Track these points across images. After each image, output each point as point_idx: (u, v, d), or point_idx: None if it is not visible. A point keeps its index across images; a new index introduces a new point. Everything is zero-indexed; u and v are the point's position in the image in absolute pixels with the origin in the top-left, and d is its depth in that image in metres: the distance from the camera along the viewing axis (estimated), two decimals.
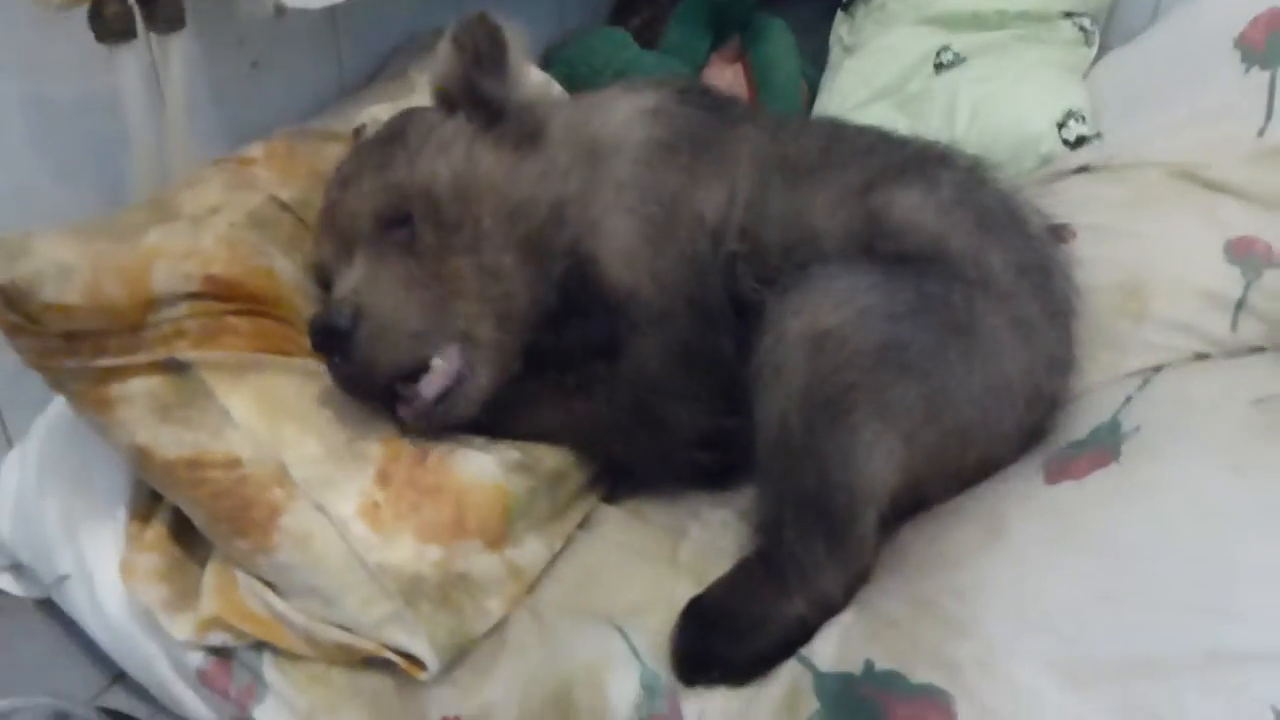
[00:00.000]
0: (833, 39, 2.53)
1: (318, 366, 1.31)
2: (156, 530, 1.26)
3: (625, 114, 1.40)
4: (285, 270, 1.38)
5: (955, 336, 1.10)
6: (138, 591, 1.23)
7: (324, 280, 1.35)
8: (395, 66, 1.90)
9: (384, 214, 1.29)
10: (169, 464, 1.16)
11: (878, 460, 1.06)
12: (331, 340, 1.21)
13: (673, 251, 1.30)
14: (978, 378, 1.10)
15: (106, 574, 1.28)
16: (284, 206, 1.45)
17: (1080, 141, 1.94)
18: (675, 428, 1.30)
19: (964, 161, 1.35)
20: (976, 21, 2.30)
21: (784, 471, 1.10)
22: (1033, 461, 1.20)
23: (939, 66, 2.34)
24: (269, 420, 1.22)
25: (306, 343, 1.30)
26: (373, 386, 1.24)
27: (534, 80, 1.41)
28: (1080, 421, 1.25)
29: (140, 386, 1.17)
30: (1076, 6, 2.25)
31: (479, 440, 1.31)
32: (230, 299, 1.29)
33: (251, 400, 1.22)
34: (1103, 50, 2.22)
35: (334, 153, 1.57)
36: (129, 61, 1.37)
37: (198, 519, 1.21)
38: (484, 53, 1.34)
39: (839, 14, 2.48)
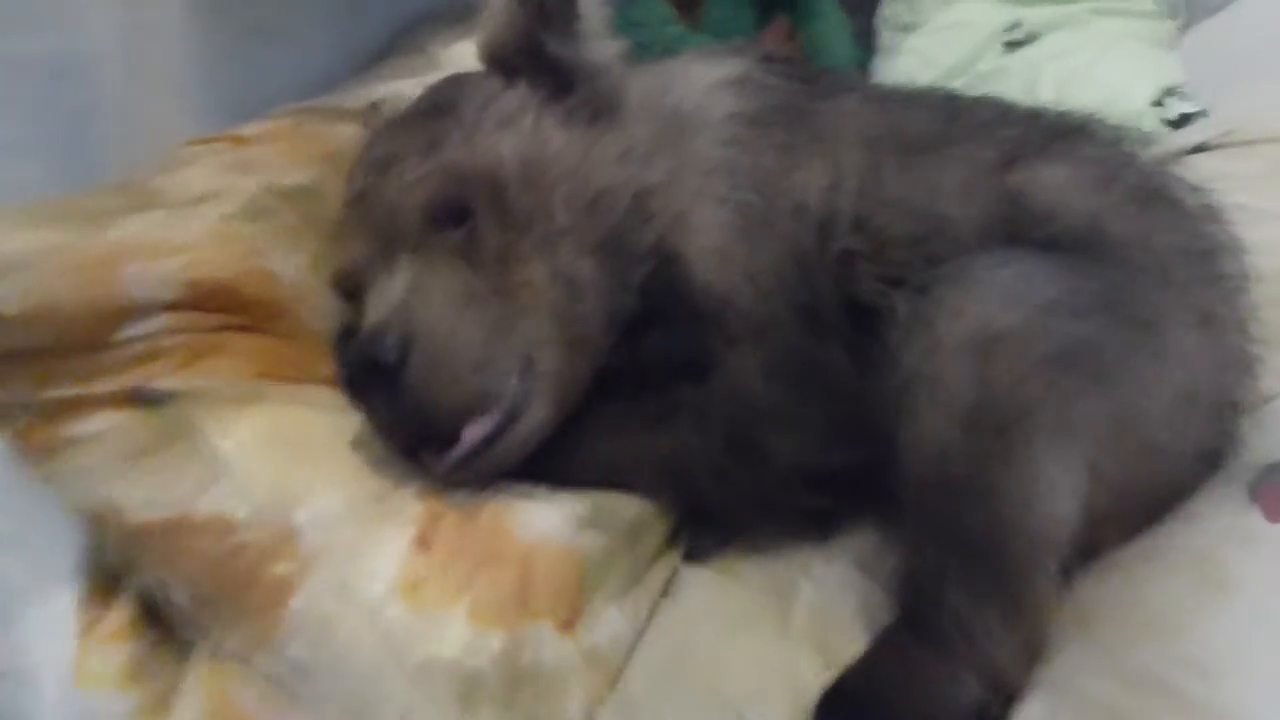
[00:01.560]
0: (881, 20, 2.41)
1: (334, 396, 1.03)
2: (121, 616, 0.97)
3: (707, 84, 1.18)
4: (289, 273, 1.11)
5: (1144, 336, 0.94)
6: (95, 699, 0.94)
7: (350, 289, 1.09)
8: (412, 41, 1.67)
9: (436, 207, 1.03)
10: (140, 528, 0.91)
11: (1063, 496, 0.89)
12: (374, 377, 0.95)
13: (773, 248, 1.10)
14: (1168, 386, 0.94)
15: (53, 674, 0.97)
16: (287, 195, 1.17)
17: (1184, 120, 1.82)
18: (779, 462, 1.07)
19: (1107, 134, 1.17)
20: (1061, 13, 2.16)
21: (943, 513, 0.92)
22: (1227, 489, 1.00)
23: (1011, 45, 2.23)
24: (274, 469, 0.94)
25: (318, 365, 1.04)
26: (426, 435, 0.98)
27: (605, 40, 1.15)
28: (1275, 437, 1.04)
29: (103, 425, 0.93)
30: None
31: (539, 490, 1.04)
32: (222, 310, 1.02)
33: (251, 442, 0.95)
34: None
35: (349, 134, 1.31)
36: (104, 7, 1.14)
37: (178, 601, 0.93)
38: (551, 6, 1.10)
39: None
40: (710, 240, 1.09)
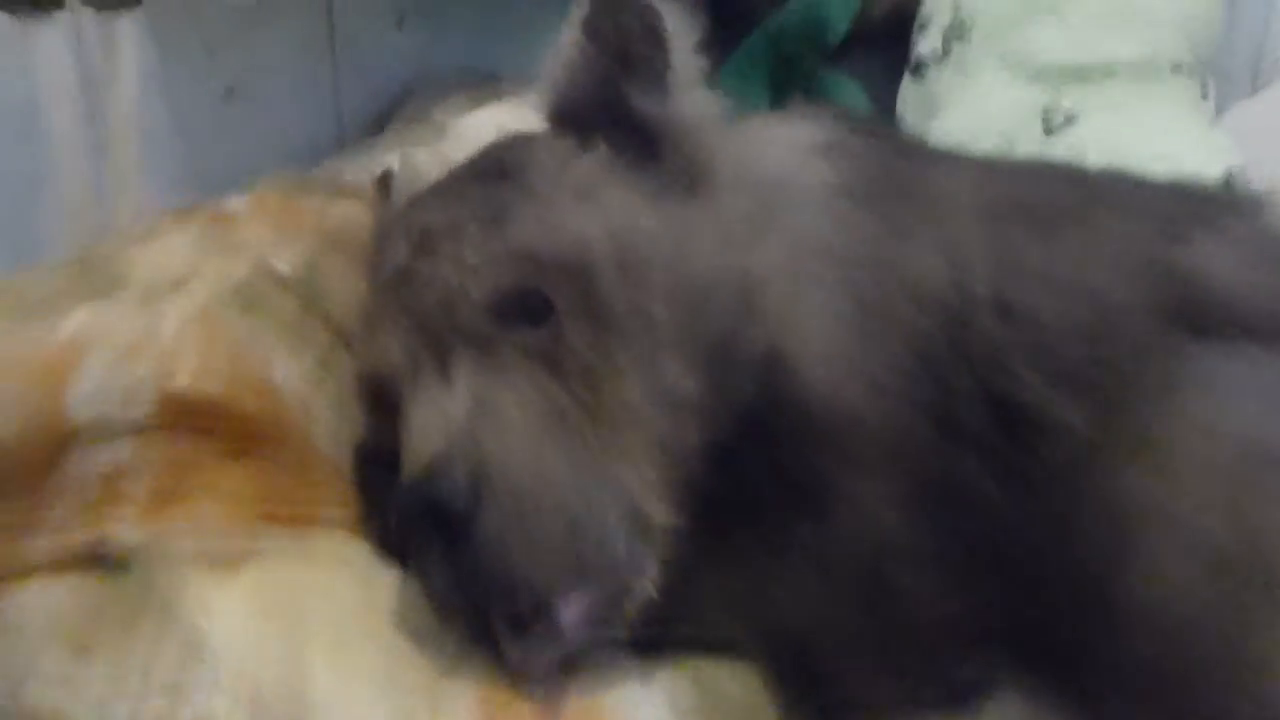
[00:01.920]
0: (901, 107, 2.25)
1: (352, 547, 0.78)
2: None
3: (794, 150, 1.01)
4: (292, 382, 0.86)
5: None
6: None
7: (381, 397, 0.85)
8: (415, 109, 1.47)
9: (508, 300, 0.81)
10: None
11: None
12: (436, 529, 0.72)
13: (893, 343, 0.92)
14: None
15: None
16: (284, 282, 0.92)
17: None
18: (923, 617, 0.88)
19: (1247, 205, 1.04)
20: (1079, 75, 2.08)
21: (1172, 687, 0.77)
22: None
23: (1050, 129, 2.06)
24: (278, 655, 0.68)
25: (332, 503, 0.79)
26: (500, 606, 0.74)
27: (698, 95, 0.95)
28: None
29: (40, 598, 0.68)
30: (1185, 57, 2.02)
31: (630, 666, 0.81)
32: (206, 431, 0.76)
33: (245, 619, 0.70)
34: None
35: (349, 211, 1.09)
36: (53, 45, 0.94)
37: None
38: (638, 52, 0.90)
39: (906, 80, 2.19)
40: (820, 335, 0.90)
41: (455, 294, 0.81)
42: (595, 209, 0.85)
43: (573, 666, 0.77)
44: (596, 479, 0.77)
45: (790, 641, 0.87)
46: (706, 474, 0.86)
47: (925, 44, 2.14)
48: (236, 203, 1.04)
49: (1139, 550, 0.76)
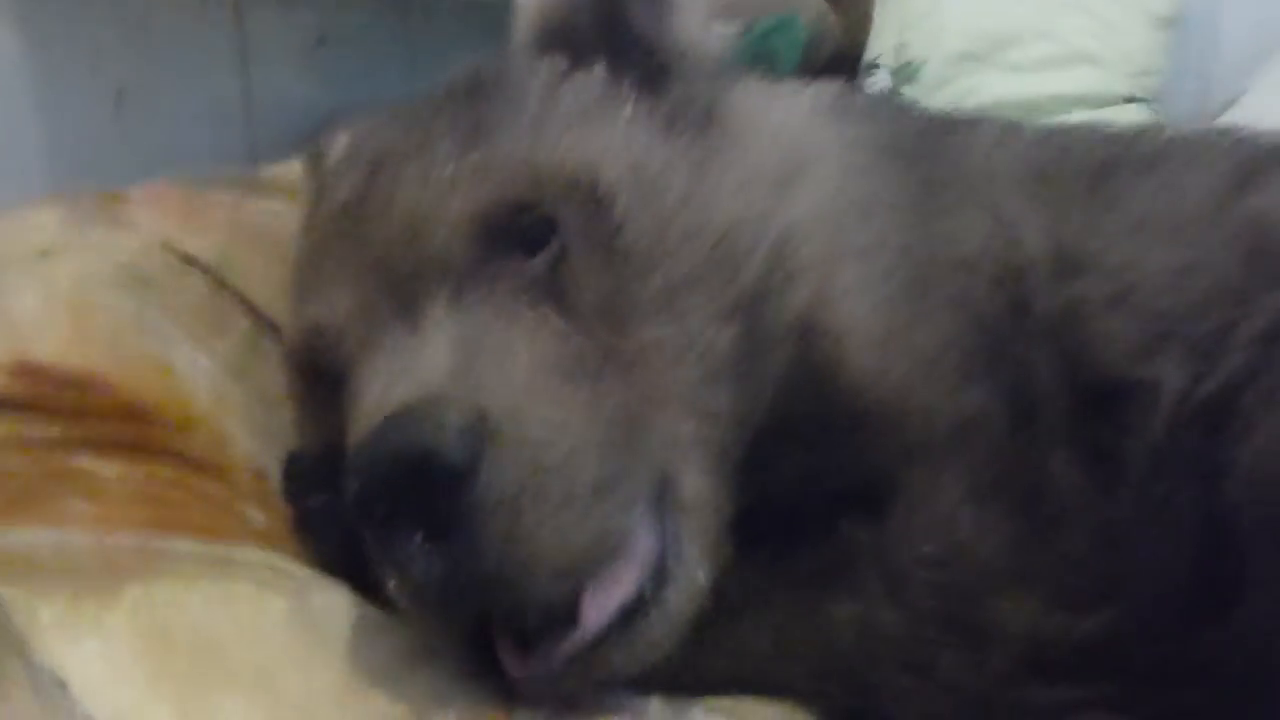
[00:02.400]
0: None
1: (277, 564, 0.57)
2: None
3: (802, 107, 0.90)
4: (199, 367, 0.66)
5: None
6: None
7: (325, 364, 0.66)
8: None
9: (494, 216, 0.65)
10: None
11: None
12: (416, 489, 0.52)
13: (944, 314, 0.80)
14: None
15: None
16: (191, 261, 0.74)
17: None
18: (1007, 636, 0.71)
19: None
20: (1031, 108, 2.04)
21: None
22: None
23: None
24: (174, 698, 0.48)
25: (246, 511, 0.59)
26: (513, 599, 0.55)
27: (706, 25, 0.84)
28: None
29: None
30: (1136, 90, 2.00)
31: (652, 707, 0.62)
32: (78, 413, 0.56)
33: (123, 657, 0.50)
34: None
35: (268, 207, 0.91)
36: None
37: None
38: None
39: None
40: (861, 307, 0.77)
41: (424, 215, 0.64)
42: (600, 126, 0.71)
43: (580, 698, 0.57)
44: (629, 435, 0.60)
45: (849, 673, 0.71)
46: (744, 461, 0.71)
47: (874, 85, 2.10)
48: (130, 191, 0.86)
49: None
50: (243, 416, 0.68)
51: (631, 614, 0.58)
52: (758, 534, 0.71)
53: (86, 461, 0.56)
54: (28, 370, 0.57)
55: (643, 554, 0.59)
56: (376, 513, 0.53)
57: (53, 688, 0.47)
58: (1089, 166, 0.89)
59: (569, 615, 0.55)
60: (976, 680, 0.70)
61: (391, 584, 0.54)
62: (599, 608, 0.56)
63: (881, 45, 2.14)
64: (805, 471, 0.73)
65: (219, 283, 0.76)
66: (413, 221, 0.64)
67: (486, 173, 0.66)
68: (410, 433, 0.52)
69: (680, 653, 0.66)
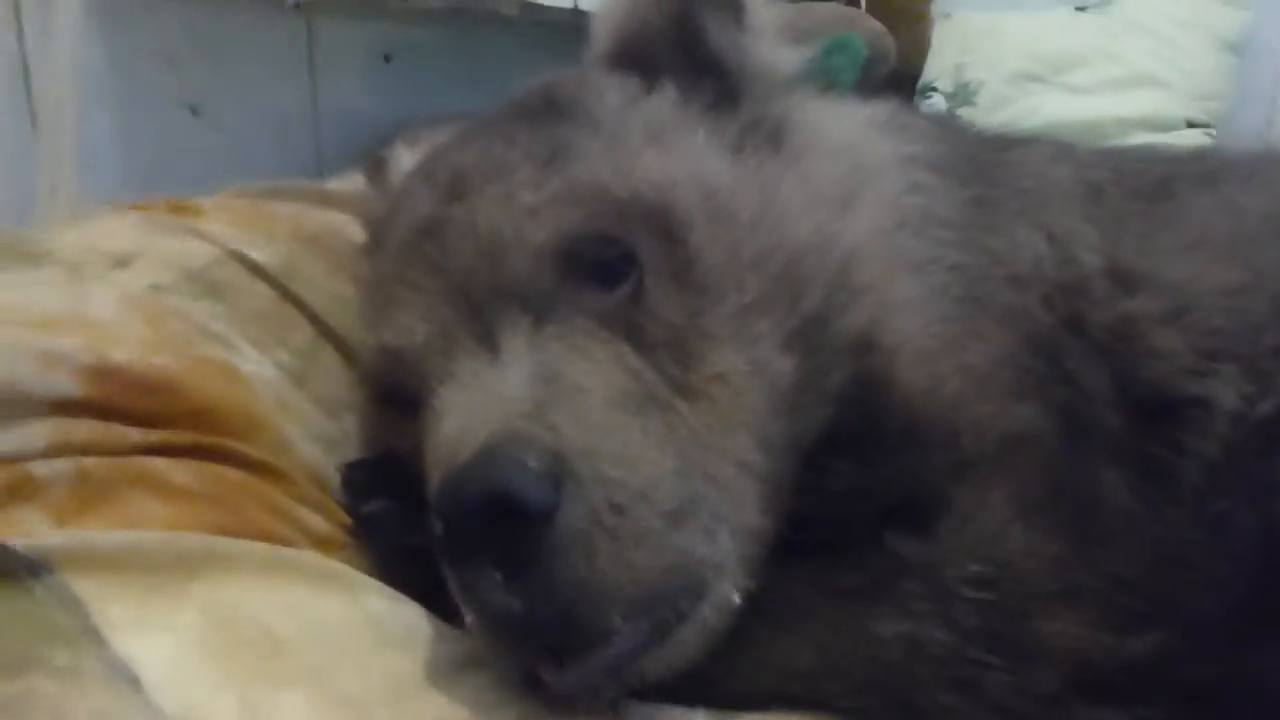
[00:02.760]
0: None
1: (335, 569, 0.59)
2: None
3: (861, 123, 0.90)
4: (264, 374, 0.68)
5: None
6: None
7: (398, 386, 0.66)
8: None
9: (575, 247, 0.65)
10: None
11: None
12: (498, 528, 0.53)
13: (998, 330, 0.78)
14: None
15: None
16: (257, 270, 0.76)
17: None
18: (1055, 655, 0.69)
19: None
20: (1091, 129, 2.05)
21: None
22: None
23: None
24: (239, 696, 0.48)
25: (310, 515, 0.60)
26: (590, 635, 0.56)
27: (779, 44, 0.84)
28: None
29: None
30: (1198, 114, 2.04)
31: (696, 717, 0.62)
32: (149, 420, 0.59)
33: (193, 649, 0.52)
34: None
35: (330, 219, 0.93)
36: None
37: None
38: None
39: None
40: (914, 323, 0.76)
41: (505, 242, 0.63)
42: (673, 152, 0.71)
43: (613, 704, 0.58)
44: (705, 463, 0.61)
45: (893, 691, 0.69)
46: (792, 483, 0.70)
47: (930, 108, 2.09)
48: (200, 201, 0.89)
49: None
50: (303, 423, 0.70)
51: (667, 628, 0.58)
52: (806, 547, 0.70)
53: (160, 464, 0.58)
54: (107, 373, 0.59)
55: (692, 574, 0.59)
56: (460, 550, 0.54)
57: (126, 682, 0.49)
58: (1145, 185, 0.88)
59: (607, 641, 0.55)
60: (1023, 701, 0.68)
61: (470, 617, 0.55)
62: (631, 635, 0.56)
63: (939, 67, 2.14)
64: (854, 486, 0.71)
65: (283, 292, 0.78)
66: (494, 248, 0.64)
67: (567, 203, 0.65)
68: (493, 476, 0.53)
69: (726, 665, 0.67)
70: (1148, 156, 0.95)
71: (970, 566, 0.69)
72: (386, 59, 1.38)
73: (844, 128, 0.87)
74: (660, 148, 0.71)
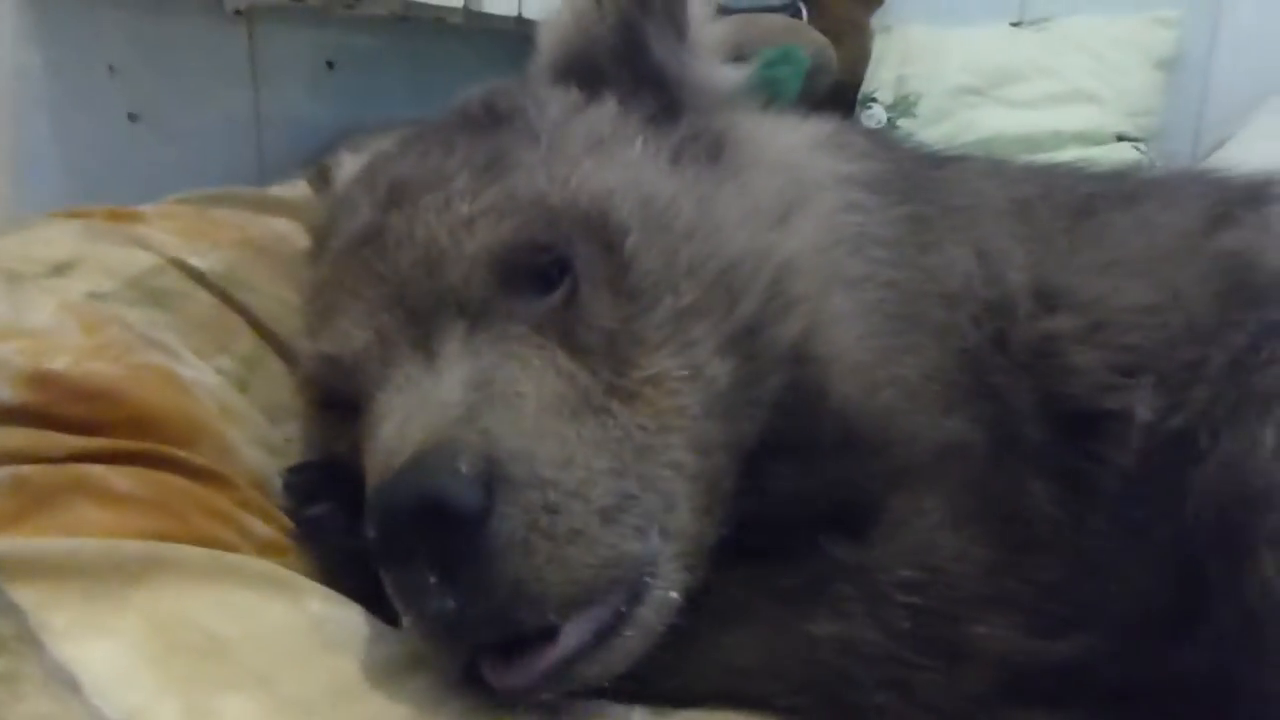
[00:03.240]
0: None
1: (276, 573, 0.60)
2: None
3: (803, 140, 0.92)
4: (206, 381, 0.68)
5: None
6: None
7: (338, 392, 0.67)
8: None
9: (511, 256, 0.66)
10: None
11: None
12: (431, 532, 0.54)
13: (929, 345, 0.81)
14: None
15: None
16: (199, 278, 0.76)
17: None
18: (983, 658, 0.72)
19: None
20: (1027, 144, 2.12)
21: None
22: None
23: None
24: (181, 696, 0.50)
25: (252, 521, 0.60)
26: (524, 632, 0.57)
27: (719, 58, 0.85)
28: None
29: None
30: (1129, 129, 2.11)
31: (636, 715, 0.64)
32: (88, 427, 0.59)
33: (135, 653, 0.52)
34: None
35: (276, 226, 0.93)
36: None
37: None
38: (660, 5, 0.81)
39: None
40: (849, 336, 0.78)
41: (443, 251, 0.64)
42: (611, 162, 0.72)
43: (561, 703, 0.59)
44: (637, 463, 0.62)
45: (829, 690, 0.71)
46: (731, 486, 0.72)
47: (870, 119, 2.12)
48: (141, 208, 0.88)
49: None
50: (245, 429, 0.70)
51: (608, 631, 0.59)
52: (748, 549, 0.72)
53: (100, 471, 0.58)
54: (44, 380, 0.59)
55: (628, 577, 0.60)
56: (395, 554, 0.55)
57: (66, 687, 0.49)
58: (1070, 203, 0.90)
59: (548, 631, 0.57)
60: (952, 701, 0.70)
61: (406, 618, 0.56)
62: (578, 625, 0.58)
63: (880, 79, 2.18)
64: (792, 492, 0.73)
65: (225, 299, 0.78)
66: (431, 256, 0.65)
67: (504, 212, 0.66)
68: (425, 480, 0.54)
69: (665, 663, 0.68)
70: (1075, 174, 0.98)
71: (902, 571, 0.72)
72: (330, 65, 1.37)
73: (784, 144, 0.89)
74: (599, 157, 0.72)
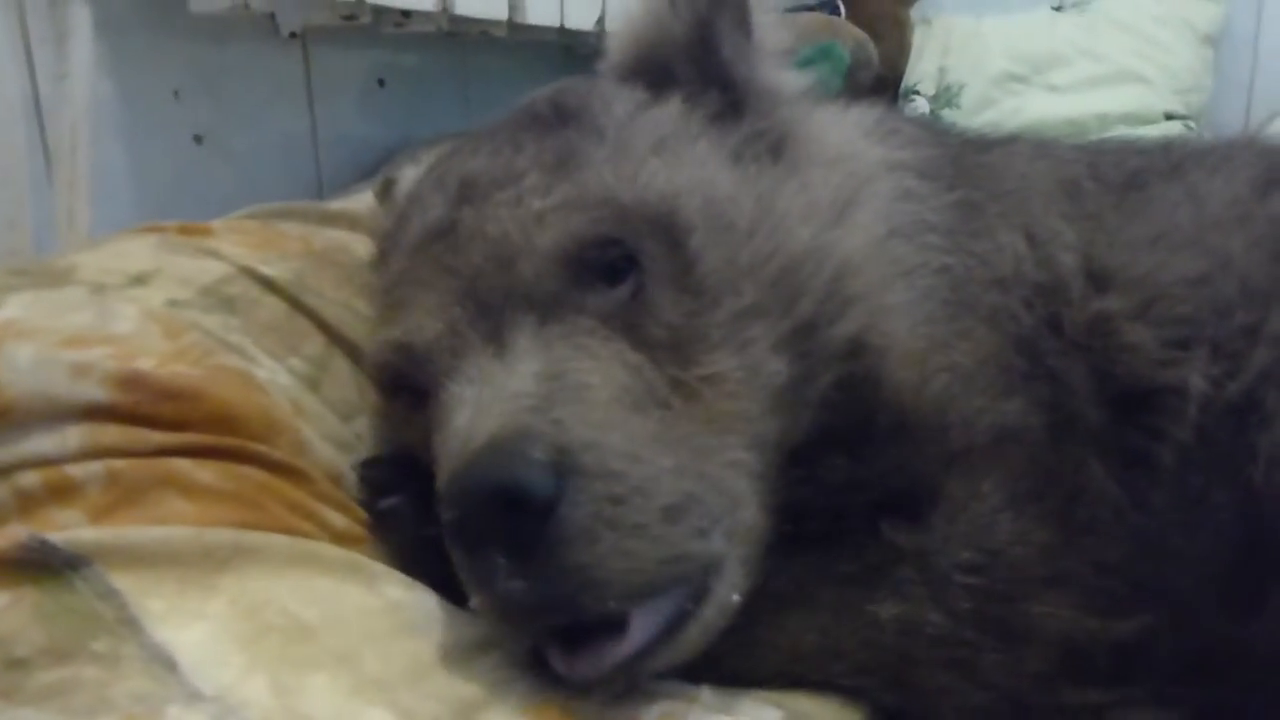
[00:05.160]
0: None
1: (355, 561, 0.62)
2: None
3: (856, 130, 0.93)
4: (277, 381, 0.72)
5: None
6: None
7: (410, 379, 0.69)
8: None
9: (582, 252, 0.67)
10: None
11: None
12: (505, 516, 0.56)
13: (982, 331, 0.82)
14: None
15: None
16: (269, 284, 0.80)
17: None
18: (1045, 638, 0.72)
19: None
20: (1075, 127, 2.08)
21: None
22: None
23: None
24: (270, 676, 0.51)
25: (329, 512, 0.63)
26: (586, 618, 0.59)
27: (783, 61, 0.86)
28: None
29: None
30: (1178, 107, 2.08)
31: (704, 693, 0.65)
32: (175, 425, 0.62)
33: (225, 634, 0.54)
34: None
35: (338, 237, 0.97)
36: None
37: None
38: (729, 9, 0.82)
39: None
40: (903, 325, 0.79)
41: (514, 246, 0.66)
42: (677, 160, 0.74)
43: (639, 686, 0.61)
44: (698, 463, 0.63)
45: (891, 671, 0.72)
46: (789, 471, 0.73)
47: (913, 110, 2.12)
48: (212, 224, 0.92)
49: None
50: (318, 425, 0.72)
51: (674, 629, 0.61)
52: (805, 537, 0.73)
53: (185, 465, 0.61)
54: (132, 381, 0.62)
55: (693, 575, 0.62)
56: (469, 536, 0.57)
57: (165, 667, 0.52)
58: (1118, 179, 0.91)
59: (617, 623, 0.58)
60: (1013, 680, 0.71)
61: (475, 599, 0.58)
62: (646, 621, 0.59)
63: (921, 71, 2.18)
64: (850, 479, 0.74)
65: (294, 303, 0.81)
66: (502, 251, 0.66)
67: (574, 208, 0.68)
68: (500, 468, 0.56)
69: (729, 645, 0.69)
70: (1122, 149, 0.97)
71: (962, 554, 0.72)
72: (380, 83, 1.41)
73: (838, 137, 0.90)
74: (664, 156, 0.74)
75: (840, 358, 0.75)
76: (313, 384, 0.75)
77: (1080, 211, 0.87)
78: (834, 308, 0.75)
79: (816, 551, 0.73)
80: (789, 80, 0.85)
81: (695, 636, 0.62)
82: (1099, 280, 0.82)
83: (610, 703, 0.59)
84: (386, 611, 0.60)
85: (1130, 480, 0.75)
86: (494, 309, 0.65)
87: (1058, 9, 2.19)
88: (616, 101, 0.78)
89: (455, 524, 0.56)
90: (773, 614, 0.71)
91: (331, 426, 0.73)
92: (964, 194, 0.88)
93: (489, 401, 0.61)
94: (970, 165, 0.92)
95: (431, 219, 0.71)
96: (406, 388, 0.69)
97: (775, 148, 0.81)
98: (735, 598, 0.65)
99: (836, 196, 0.81)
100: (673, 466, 0.61)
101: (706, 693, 0.65)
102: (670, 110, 0.78)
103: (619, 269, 0.67)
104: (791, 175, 0.80)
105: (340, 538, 0.66)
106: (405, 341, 0.67)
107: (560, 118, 0.77)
